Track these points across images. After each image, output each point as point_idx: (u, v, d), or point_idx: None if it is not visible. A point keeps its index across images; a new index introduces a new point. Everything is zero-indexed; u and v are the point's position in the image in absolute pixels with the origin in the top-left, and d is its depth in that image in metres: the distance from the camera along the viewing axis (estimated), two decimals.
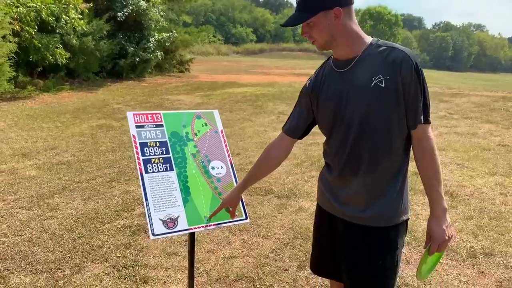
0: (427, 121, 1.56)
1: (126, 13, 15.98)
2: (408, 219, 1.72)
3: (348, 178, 1.66)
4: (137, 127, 2.01)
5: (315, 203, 4.38)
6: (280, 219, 4.01)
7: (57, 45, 12.29)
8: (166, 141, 2.04)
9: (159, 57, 18.17)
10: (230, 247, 3.43)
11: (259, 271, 3.08)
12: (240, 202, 2.05)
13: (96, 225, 3.75)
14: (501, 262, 3.28)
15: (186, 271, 3.06)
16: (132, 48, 16.44)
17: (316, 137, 7.23)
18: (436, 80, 26.18)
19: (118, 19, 15.77)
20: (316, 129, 1.83)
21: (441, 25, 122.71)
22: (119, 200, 4.35)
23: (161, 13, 18.68)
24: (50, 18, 11.93)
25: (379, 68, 1.53)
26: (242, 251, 3.37)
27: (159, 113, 2.10)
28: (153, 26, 17.71)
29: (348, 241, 1.70)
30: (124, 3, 15.97)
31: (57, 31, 12.70)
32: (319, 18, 1.54)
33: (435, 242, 1.59)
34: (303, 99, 1.79)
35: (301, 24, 1.59)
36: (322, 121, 1.72)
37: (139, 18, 16.81)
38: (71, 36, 13.29)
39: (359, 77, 1.56)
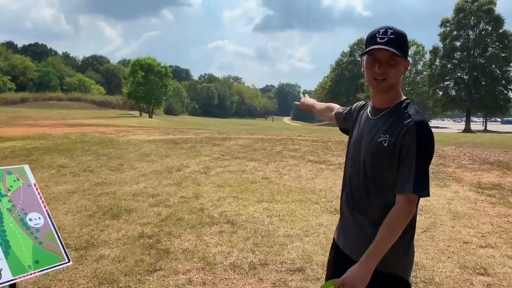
0: (409, 191, 1.60)
1: None
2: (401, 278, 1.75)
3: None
4: None
5: (114, 250, 4.58)
6: (82, 270, 4.04)
7: None
8: None
9: None
10: None
11: None
12: (60, 245, 2.22)
13: None
14: (273, 268, 4.17)
15: None
16: None
17: (105, 187, 7.30)
18: (207, 126, 28.94)
19: None
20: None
21: (206, 76, 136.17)
22: None
23: None
24: None
25: (391, 128, 1.68)
26: None
27: None
28: None
29: None
30: None
31: None
32: (402, 61, 1.71)
33: (344, 283, 1.65)
34: (349, 112, 2.07)
35: (380, 56, 1.67)
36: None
37: None
38: None
39: (377, 128, 1.74)
